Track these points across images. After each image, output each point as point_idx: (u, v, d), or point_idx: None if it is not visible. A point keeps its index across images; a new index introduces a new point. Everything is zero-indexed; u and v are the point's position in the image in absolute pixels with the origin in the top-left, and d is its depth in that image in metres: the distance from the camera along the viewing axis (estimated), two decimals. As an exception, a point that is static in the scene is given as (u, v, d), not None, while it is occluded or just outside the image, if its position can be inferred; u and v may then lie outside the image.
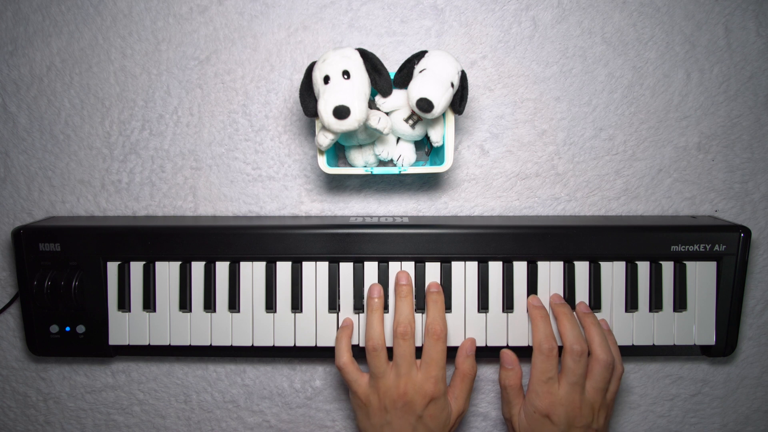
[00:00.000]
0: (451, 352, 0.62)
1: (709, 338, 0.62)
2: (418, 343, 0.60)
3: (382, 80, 0.55)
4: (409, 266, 0.61)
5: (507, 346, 0.61)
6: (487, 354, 0.62)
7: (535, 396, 0.56)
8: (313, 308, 0.61)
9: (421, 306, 0.61)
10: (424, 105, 0.53)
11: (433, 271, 0.61)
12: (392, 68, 0.58)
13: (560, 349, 0.58)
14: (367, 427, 0.58)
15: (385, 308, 0.61)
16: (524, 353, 0.60)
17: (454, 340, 0.61)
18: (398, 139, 0.60)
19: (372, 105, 0.56)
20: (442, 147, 0.59)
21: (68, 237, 0.61)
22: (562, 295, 0.61)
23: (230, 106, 0.66)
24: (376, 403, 0.57)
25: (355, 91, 0.52)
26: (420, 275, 0.61)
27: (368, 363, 0.57)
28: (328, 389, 0.68)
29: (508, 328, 0.61)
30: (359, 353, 0.60)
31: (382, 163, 0.62)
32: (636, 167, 0.66)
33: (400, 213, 0.67)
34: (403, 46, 0.65)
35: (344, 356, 0.59)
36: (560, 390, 0.56)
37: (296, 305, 0.61)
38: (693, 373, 0.68)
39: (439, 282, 0.60)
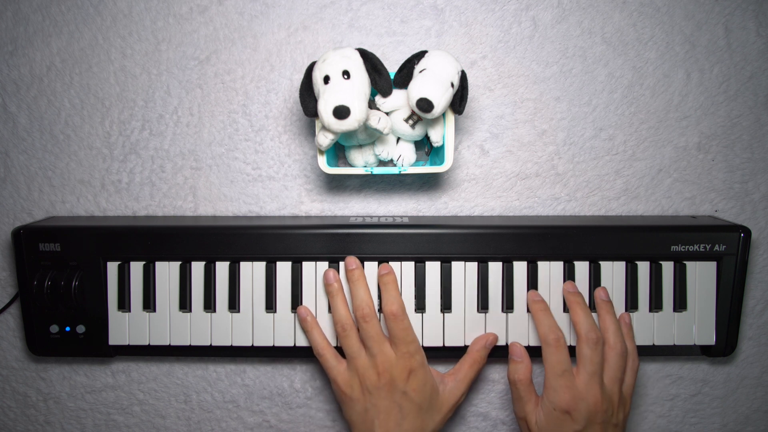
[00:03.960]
0: (454, 353, 0.62)
1: (709, 338, 0.62)
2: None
3: (382, 80, 0.55)
4: (409, 266, 0.61)
5: (507, 346, 0.61)
6: (488, 354, 0.62)
7: (553, 392, 0.54)
8: (313, 308, 0.61)
9: (422, 306, 0.61)
10: (424, 105, 0.53)
11: (433, 271, 0.61)
12: (392, 68, 0.58)
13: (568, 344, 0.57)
14: (352, 416, 0.57)
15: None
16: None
17: (455, 340, 0.61)
18: (398, 139, 0.60)
19: (372, 105, 0.56)
20: (442, 147, 0.59)
21: (68, 237, 0.61)
22: (562, 294, 0.61)
23: (230, 106, 0.66)
24: (358, 388, 0.56)
25: (355, 91, 0.52)
26: (420, 275, 0.61)
27: (342, 345, 0.58)
28: (328, 389, 0.68)
29: (508, 328, 0.61)
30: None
31: (382, 163, 0.62)
32: (636, 167, 0.66)
33: (400, 213, 0.67)
34: (403, 46, 0.65)
35: (321, 342, 0.59)
36: (579, 382, 0.54)
37: (296, 305, 0.61)
38: (693, 373, 0.68)
39: (389, 266, 0.60)
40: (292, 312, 0.61)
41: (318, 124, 0.56)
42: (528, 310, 0.61)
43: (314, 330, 0.60)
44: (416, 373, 0.56)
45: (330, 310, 0.60)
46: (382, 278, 0.59)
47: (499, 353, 0.62)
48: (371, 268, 0.61)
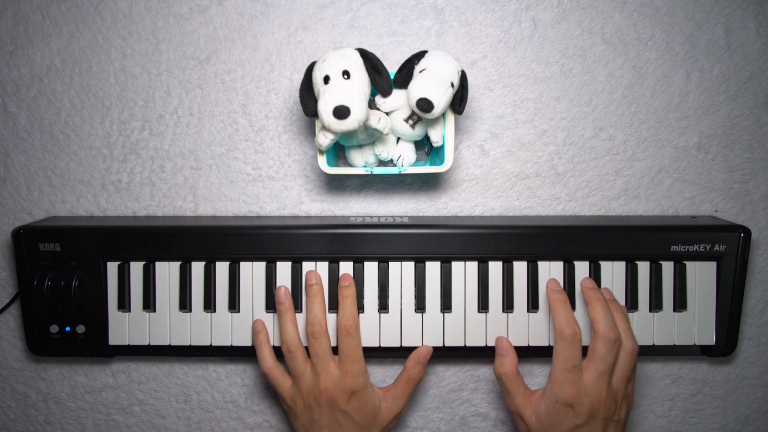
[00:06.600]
0: (455, 353, 0.62)
1: (709, 338, 0.62)
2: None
3: (382, 80, 0.55)
4: (409, 266, 0.61)
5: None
6: (488, 354, 0.62)
7: (559, 386, 0.54)
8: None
9: (422, 306, 0.61)
10: (424, 105, 0.53)
11: (433, 271, 0.61)
12: (392, 68, 0.58)
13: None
14: (298, 427, 0.59)
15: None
16: (524, 353, 0.60)
17: (455, 340, 0.61)
18: (398, 139, 0.60)
19: (372, 105, 0.56)
20: (442, 147, 0.59)
21: (68, 237, 0.61)
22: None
23: (230, 106, 0.66)
24: (300, 404, 0.57)
25: (355, 91, 0.52)
26: (420, 275, 0.61)
27: (287, 365, 0.58)
28: (328, 389, 0.68)
29: (508, 328, 0.61)
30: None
31: (382, 163, 0.62)
32: (636, 167, 0.66)
33: (400, 213, 0.67)
34: (403, 46, 0.65)
35: (268, 361, 0.59)
36: (586, 378, 0.53)
37: (296, 305, 0.61)
38: (693, 373, 0.68)
39: (351, 275, 0.60)
40: (293, 312, 0.61)
41: (318, 124, 0.56)
42: (528, 308, 0.61)
43: (264, 347, 0.60)
44: (357, 395, 0.56)
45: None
46: (342, 290, 0.59)
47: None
48: (371, 268, 0.61)
